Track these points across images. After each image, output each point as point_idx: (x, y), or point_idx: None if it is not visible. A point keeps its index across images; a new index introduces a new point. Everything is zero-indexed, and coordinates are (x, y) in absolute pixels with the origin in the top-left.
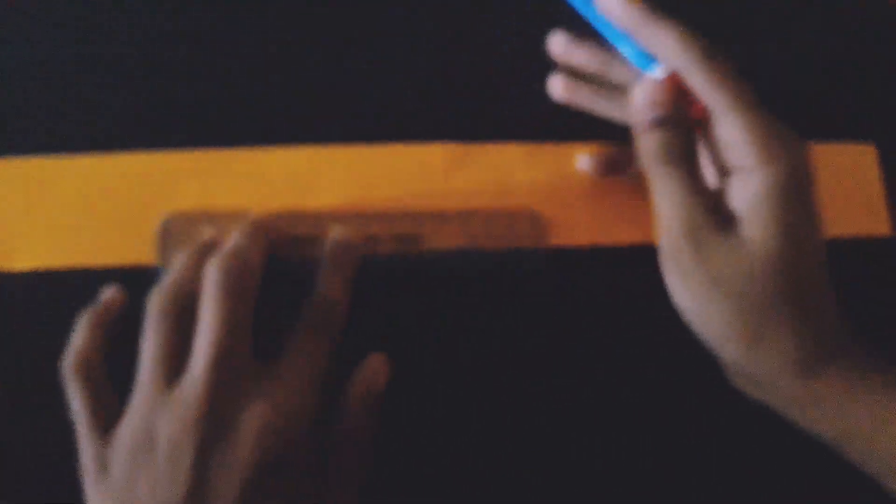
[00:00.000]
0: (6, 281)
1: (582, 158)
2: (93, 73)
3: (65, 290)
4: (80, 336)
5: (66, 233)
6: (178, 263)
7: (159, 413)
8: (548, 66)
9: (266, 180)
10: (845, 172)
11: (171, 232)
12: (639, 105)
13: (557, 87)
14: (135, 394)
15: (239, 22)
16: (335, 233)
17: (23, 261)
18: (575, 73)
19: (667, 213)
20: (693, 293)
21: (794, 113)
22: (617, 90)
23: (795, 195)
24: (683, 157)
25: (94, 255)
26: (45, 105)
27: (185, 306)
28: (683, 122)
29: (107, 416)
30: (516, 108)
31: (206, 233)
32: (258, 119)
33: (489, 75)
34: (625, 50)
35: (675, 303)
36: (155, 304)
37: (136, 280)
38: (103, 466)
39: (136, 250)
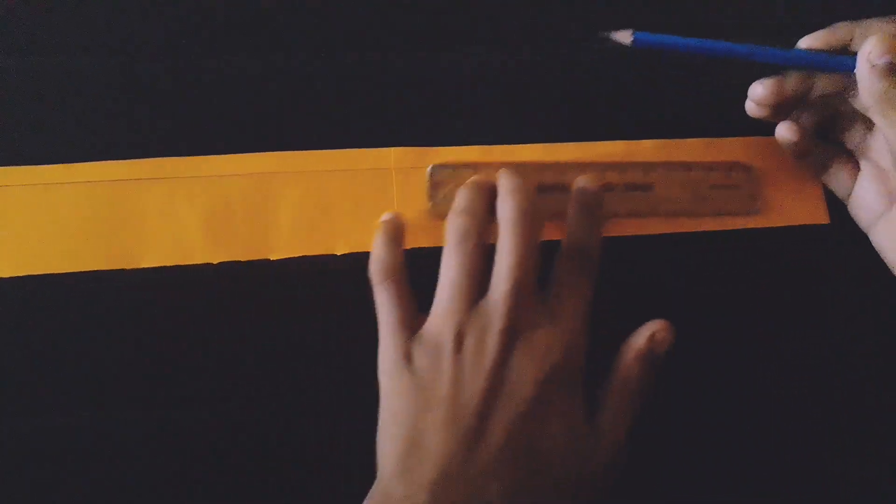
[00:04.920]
0: None
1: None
2: (63, 86)
3: (36, 297)
4: (381, 248)
5: (36, 242)
6: (462, 198)
7: (466, 321)
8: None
9: (230, 184)
10: (787, 167)
11: (437, 179)
12: (879, 50)
13: (790, 133)
14: (436, 306)
15: (210, 33)
16: (581, 182)
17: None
18: (776, 106)
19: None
20: None
21: (738, 109)
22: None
23: None
24: None
25: (64, 263)
26: (15, 117)
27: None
28: None
29: (411, 318)
30: (477, 113)
31: (469, 176)
32: (224, 128)
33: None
34: (828, 65)
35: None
36: (458, 227)
37: (106, 285)
38: (409, 359)
39: (105, 256)
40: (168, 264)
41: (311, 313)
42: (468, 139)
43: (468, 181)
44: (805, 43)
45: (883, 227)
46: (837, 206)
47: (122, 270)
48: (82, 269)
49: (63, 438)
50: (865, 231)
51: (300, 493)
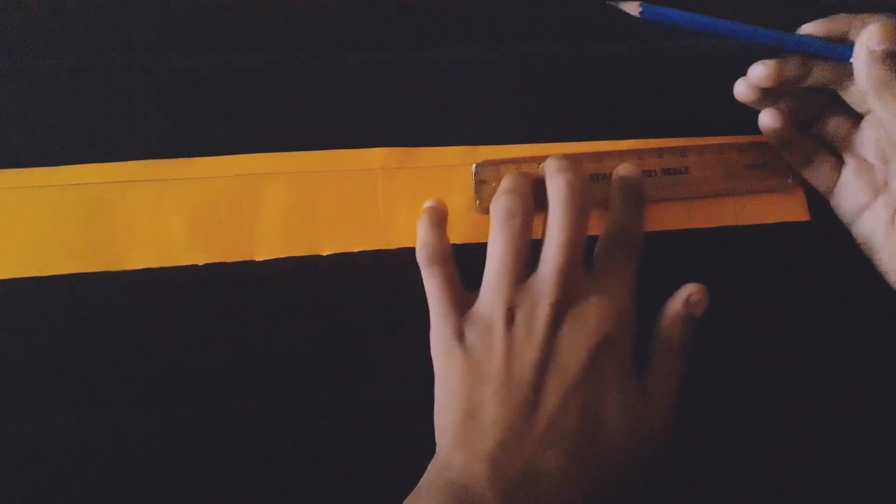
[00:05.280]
0: None
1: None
2: (49, 88)
3: (22, 299)
4: (427, 233)
5: (21, 245)
6: (507, 181)
7: (516, 297)
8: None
9: (215, 186)
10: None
11: (482, 177)
12: (877, 37)
13: (772, 120)
14: (485, 284)
15: (195, 35)
16: (622, 170)
17: None
18: (766, 92)
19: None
20: None
21: (720, 109)
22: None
23: None
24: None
25: (48, 266)
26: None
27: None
28: None
29: (461, 298)
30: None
31: (512, 171)
32: (209, 129)
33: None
34: (826, 51)
35: None
36: (504, 205)
37: (91, 287)
38: (461, 337)
39: (90, 258)
40: (153, 266)
41: (297, 314)
42: (464, 139)
43: (513, 171)
44: (806, 30)
45: (868, 218)
46: (817, 205)
47: (108, 272)
48: (67, 272)
49: (59, 439)
50: (848, 225)
51: (296, 493)
